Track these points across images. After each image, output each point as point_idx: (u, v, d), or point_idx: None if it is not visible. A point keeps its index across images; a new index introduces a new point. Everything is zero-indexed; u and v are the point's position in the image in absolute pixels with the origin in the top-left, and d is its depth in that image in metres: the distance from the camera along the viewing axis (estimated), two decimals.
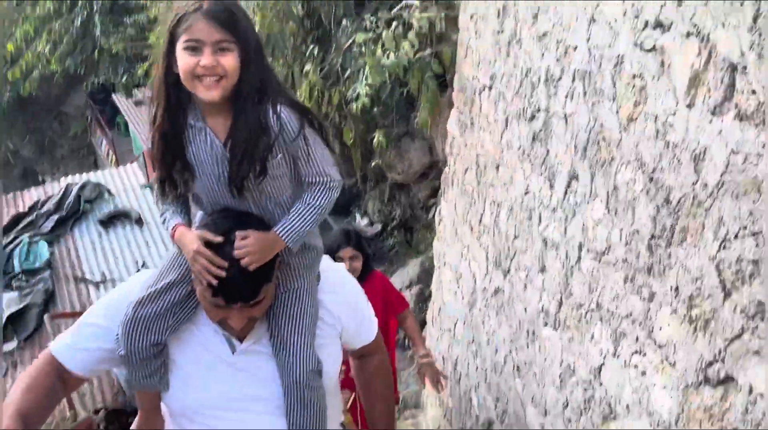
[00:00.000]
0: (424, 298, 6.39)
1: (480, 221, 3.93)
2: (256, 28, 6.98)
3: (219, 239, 1.90)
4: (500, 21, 3.48)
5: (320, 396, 2.08)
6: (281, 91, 1.97)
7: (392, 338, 4.34)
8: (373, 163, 7.52)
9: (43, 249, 9.27)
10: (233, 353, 2.06)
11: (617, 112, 2.35)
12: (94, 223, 10.10)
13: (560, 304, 2.86)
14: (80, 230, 9.91)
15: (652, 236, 2.16)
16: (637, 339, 2.28)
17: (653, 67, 2.14)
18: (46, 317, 7.49)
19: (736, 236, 1.79)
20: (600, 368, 2.54)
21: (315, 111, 6.88)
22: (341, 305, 2.18)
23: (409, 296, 7.76)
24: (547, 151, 2.94)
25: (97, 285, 8.85)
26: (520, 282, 3.32)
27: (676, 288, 2.04)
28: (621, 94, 2.33)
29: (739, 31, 1.74)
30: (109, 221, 10.07)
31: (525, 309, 3.26)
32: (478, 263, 4.00)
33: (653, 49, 2.13)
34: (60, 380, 2.07)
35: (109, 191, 10.79)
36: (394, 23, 5.27)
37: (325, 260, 2.26)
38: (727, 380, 1.86)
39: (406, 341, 5.75)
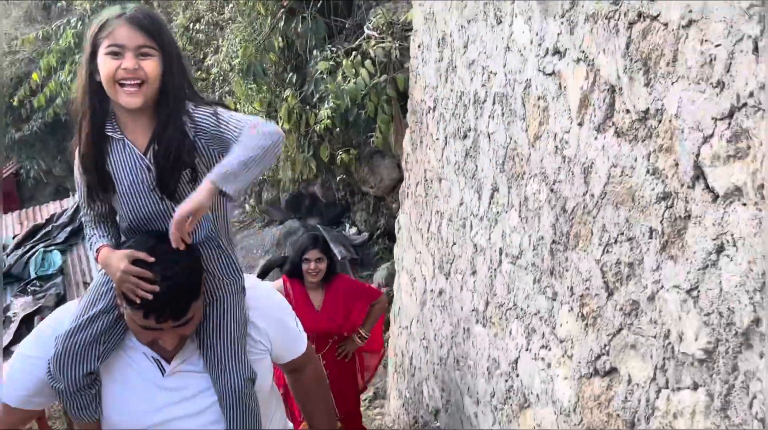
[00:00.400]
0: (389, 299, 6.36)
1: (428, 228, 3.90)
2: (239, 59, 6.96)
3: (144, 255, 1.72)
4: (440, 50, 3.46)
5: (256, 404, 1.92)
6: (195, 95, 1.83)
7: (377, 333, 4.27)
8: (338, 178, 7.50)
9: (56, 257, 9.21)
10: (163, 375, 1.87)
11: (526, 130, 2.33)
12: None
13: (487, 303, 2.83)
14: None
15: (553, 241, 2.14)
16: (543, 335, 2.26)
17: (553, 90, 2.13)
18: (36, 319, 7.41)
19: (615, 241, 1.77)
20: (516, 361, 2.51)
21: (294, 132, 6.93)
22: (268, 320, 2.00)
23: None
24: (476, 166, 2.92)
25: None
26: (457, 284, 3.30)
27: (571, 288, 2.02)
28: (529, 115, 2.31)
29: (616, 56, 1.73)
30: None
31: (461, 308, 3.24)
32: (427, 267, 3.98)
33: (553, 73, 2.12)
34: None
35: None
36: (354, 53, 5.28)
37: (251, 279, 2.09)
38: (612, 371, 1.84)
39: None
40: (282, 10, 6.18)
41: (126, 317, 1.78)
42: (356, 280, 4.19)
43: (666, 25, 1.50)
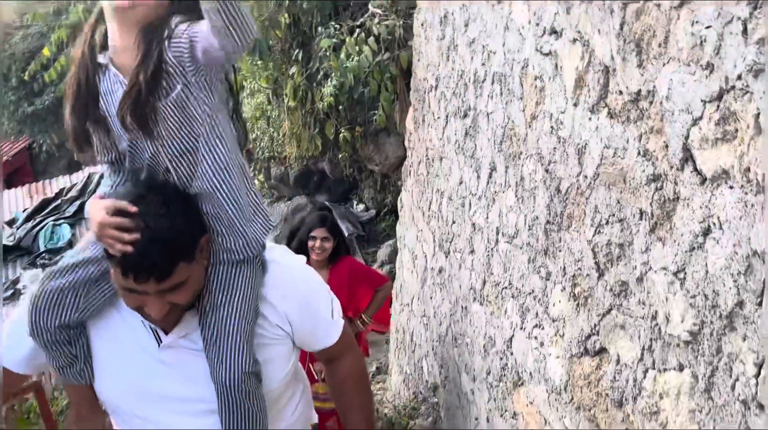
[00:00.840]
0: (392, 276, 6.39)
1: (429, 207, 3.90)
2: None
3: (125, 205, 1.50)
4: (442, 28, 3.44)
5: (257, 400, 1.67)
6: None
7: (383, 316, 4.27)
8: (340, 155, 7.49)
9: (65, 231, 9.26)
10: (159, 346, 1.69)
11: (523, 110, 2.32)
12: None
13: (484, 282, 2.84)
14: None
15: (548, 222, 2.13)
16: (537, 314, 2.26)
17: (550, 70, 2.11)
18: None
19: (607, 222, 1.76)
20: (511, 340, 2.52)
21: (299, 109, 6.92)
22: (290, 302, 1.74)
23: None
24: (475, 145, 2.91)
25: None
26: (456, 262, 3.30)
27: (564, 268, 2.02)
28: (526, 95, 2.30)
29: (610, 37, 1.71)
30: None
31: (460, 286, 3.24)
32: (428, 245, 3.98)
33: (550, 53, 2.10)
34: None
35: None
36: (358, 30, 5.25)
37: (277, 250, 1.81)
38: (602, 351, 1.84)
39: None
40: None
41: (112, 276, 1.58)
42: (363, 263, 4.19)
43: (659, 5, 1.48)
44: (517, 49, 2.37)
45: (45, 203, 10.07)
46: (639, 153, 1.59)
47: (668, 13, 1.45)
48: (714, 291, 1.34)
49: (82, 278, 1.63)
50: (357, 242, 10.39)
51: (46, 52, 18.69)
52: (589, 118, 1.84)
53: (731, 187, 1.28)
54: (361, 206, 12.01)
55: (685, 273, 1.43)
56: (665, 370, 1.53)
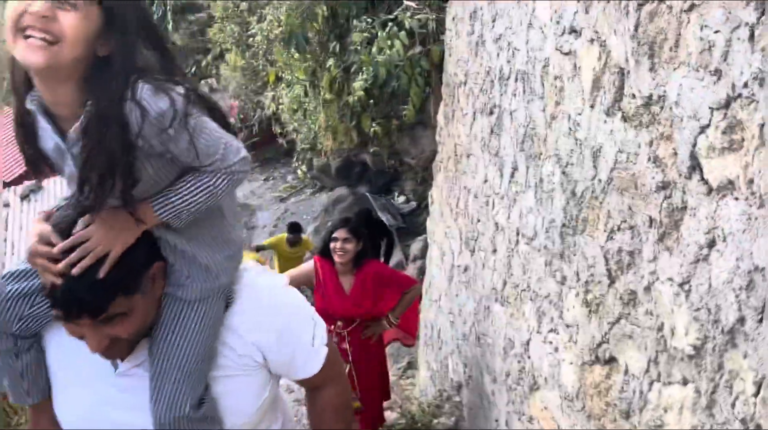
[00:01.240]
0: (423, 271, 6.38)
1: (457, 204, 3.88)
2: (281, 27, 6.93)
3: (51, 236, 1.32)
4: (471, 23, 3.40)
5: None
6: (165, 67, 1.33)
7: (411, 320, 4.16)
8: (371, 150, 7.47)
9: None
10: (115, 372, 1.51)
11: (544, 110, 2.28)
12: None
13: (505, 283, 2.81)
14: None
15: (563, 225, 2.10)
16: (552, 319, 2.23)
17: (569, 70, 2.07)
18: None
19: (618, 228, 1.73)
20: (528, 343, 2.49)
21: (336, 101, 6.91)
22: (262, 330, 1.52)
23: (412, 269, 7.74)
24: (499, 143, 2.88)
25: None
26: (480, 261, 3.28)
27: (578, 273, 1.99)
28: (547, 94, 2.26)
29: (625, 38, 1.67)
30: None
31: (483, 285, 3.22)
32: (455, 242, 3.96)
33: (569, 53, 2.06)
34: None
35: None
36: (390, 24, 5.22)
37: (250, 272, 1.59)
38: (612, 360, 1.81)
39: None
40: None
41: None
42: (389, 267, 4.01)
43: (671, 8, 1.44)
44: (539, 48, 2.33)
45: None
46: (649, 159, 1.55)
47: (679, 16, 1.41)
48: (717, 305, 1.30)
49: (31, 288, 1.45)
50: (397, 234, 10.37)
51: None
52: (605, 121, 1.81)
53: (736, 199, 1.24)
54: (402, 198, 12.00)
55: (690, 285, 1.39)
56: (670, 383, 1.50)
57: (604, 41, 1.81)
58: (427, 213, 11.07)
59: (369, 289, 3.58)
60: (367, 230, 6.91)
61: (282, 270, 7.21)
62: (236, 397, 1.53)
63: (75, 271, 1.29)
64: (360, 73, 5.61)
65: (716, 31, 1.28)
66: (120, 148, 1.25)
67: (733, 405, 1.27)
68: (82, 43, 1.21)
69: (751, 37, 1.18)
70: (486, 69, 3.14)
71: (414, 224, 10.89)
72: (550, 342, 2.24)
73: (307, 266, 3.80)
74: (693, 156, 1.37)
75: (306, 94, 7.51)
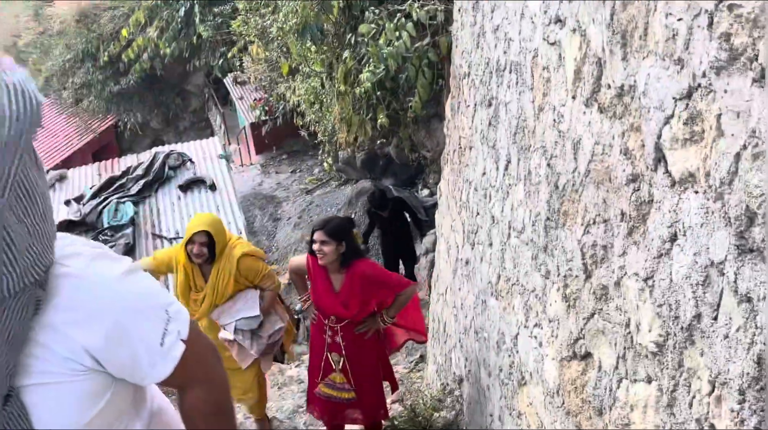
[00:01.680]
0: (434, 264, 6.34)
1: (460, 197, 3.84)
2: (296, 18, 6.88)
3: None
4: (474, 14, 3.36)
5: None
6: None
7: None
8: (378, 142, 7.39)
9: (129, 209, 9.53)
10: None
11: (533, 101, 2.24)
12: (175, 187, 10.30)
13: (498, 276, 2.78)
14: (162, 193, 10.12)
15: (547, 218, 2.06)
16: (537, 313, 2.20)
17: (555, 60, 2.03)
18: None
19: (594, 222, 1.69)
20: (516, 337, 2.46)
21: (350, 93, 6.85)
22: (90, 327, 1.25)
23: (424, 261, 7.69)
24: (496, 136, 2.84)
25: (170, 241, 9.06)
26: (479, 255, 3.24)
27: (558, 267, 1.95)
28: (536, 85, 2.22)
29: (602, 27, 1.63)
30: (187, 186, 10.23)
31: (481, 279, 3.19)
32: (458, 235, 3.93)
33: (555, 43, 2.02)
34: None
35: (190, 160, 10.99)
36: (398, 15, 5.15)
37: (79, 258, 1.29)
38: (587, 355, 1.77)
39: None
40: None
41: None
42: (381, 268, 3.86)
43: None
44: (530, 38, 2.29)
45: (111, 181, 10.37)
46: (621, 151, 1.51)
47: (647, 4, 1.36)
48: (677, 301, 1.26)
49: None
50: (417, 226, 10.31)
51: (124, 33, 19.37)
52: (584, 112, 1.77)
53: (696, 192, 1.21)
54: (426, 191, 11.94)
55: (654, 280, 1.35)
56: (635, 381, 1.46)
57: (585, 30, 1.76)
58: None
59: (357, 289, 3.46)
60: (387, 207, 6.86)
61: None
62: (60, 409, 1.26)
63: None
64: (367, 65, 5.56)
65: (679, 19, 1.23)
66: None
67: (690, 404, 1.23)
68: None
69: (710, 24, 1.14)
70: (486, 60, 3.10)
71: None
72: (535, 337, 2.21)
73: (299, 260, 3.75)
74: (658, 148, 1.33)
75: (323, 86, 7.48)
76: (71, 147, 19.51)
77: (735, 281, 1.07)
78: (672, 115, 1.27)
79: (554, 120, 2.01)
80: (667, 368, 1.32)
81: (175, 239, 9.18)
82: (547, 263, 2.08)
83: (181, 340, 1.36)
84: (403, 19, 5.06)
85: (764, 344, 1.02)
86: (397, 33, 4.97)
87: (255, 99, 16.74)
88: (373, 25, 5.33)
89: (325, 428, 4.04)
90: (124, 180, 10.47)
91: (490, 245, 2.95)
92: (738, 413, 1.08)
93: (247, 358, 3.87)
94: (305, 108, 8.68)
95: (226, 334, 3.79)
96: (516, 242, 2.47)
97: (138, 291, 1.34)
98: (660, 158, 1.33)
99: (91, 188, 10.18)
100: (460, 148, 3.84)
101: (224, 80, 19.40)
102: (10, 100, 1.05)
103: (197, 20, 17.75)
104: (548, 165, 2.06)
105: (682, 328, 1.25)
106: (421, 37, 5.12)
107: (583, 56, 1.79)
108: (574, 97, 1.85)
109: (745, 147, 1.04)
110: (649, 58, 1.37)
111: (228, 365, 3.86)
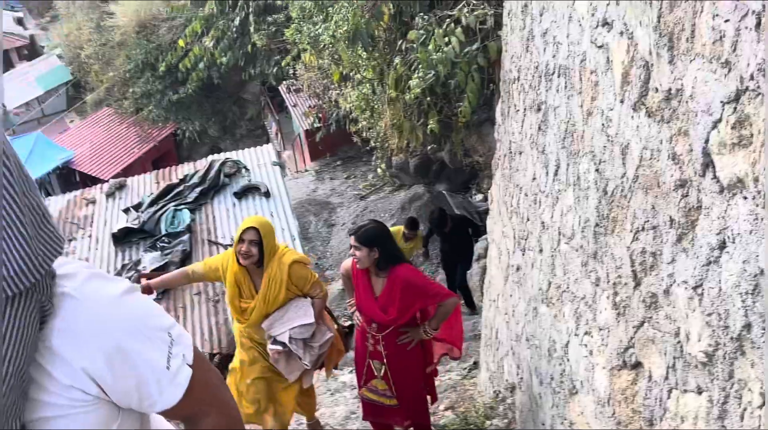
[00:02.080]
0: (485, 270, 6.29)
1: (511, 202, 3.81)
2: (347, 26, 6.93)
3: None
4: (523, 18, 3.33)
5: None
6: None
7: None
8: (430, 147, 7.37)
9: (185, 216, 9.72)
10: None
11: (581, 105, 2.22)
12: (231, 194, 10.48)
13: (549, 283, 2.74)
14: (218, 200, 10.29)
15: (596, 224, 2.03)
16: (587, 321, 2.16)
17: (603, 64, 2.00)
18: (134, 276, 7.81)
19: (643, 228, 1.66)
20: (567, 345, 2.42)
21: (400, 99, 6.86)
22: (90, 352, 1.15)
23: (476, 267, 7.63)
24: (546, 140, 2.81)
25: (226, 247, 9.21)
26: (530, 261, 3.21)
27: (608, 274, 1.92)
28: (584, 89, 2.19)
29: (649, 30, 1.60)
30: (242, 193, 10.39)
31: (532, 286, 3.15)
32: (510, 241, 3.89)
33: (602, 46, 1.99)
34: None
35: (245, 167, 11.17)
36: (448, 20, 5.13)
37: (76, 278, 1.20)
38: (638, 365, 1.74)
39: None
40: None
41: None
42: (423, 275, 3.80)
43: None
44: (578, 41, 2.26)
45: (169, 189, 10.60)
46: (668, 156, 1.48)
47: (694, 5, 1.34)
48: (726, 310, 1.23)
49: None
50: (478, 235, 10.27)
51: (181, 43, 19.84)
52: (632, 117, 1.74)
53: (745, 198, 1.17)
54: (480, 196, 11.86)
55: (703, 289, 1.32)
56: (686, 391, 1.43)
57: (632, 33, 1.74)
58: None
59: (397, 294, 3.45)
60: (447, 225, 6.87)
61: None
62: None
63: None
64: (416, 71, 5.55)
65: (726, 20, 1.21)
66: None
67: (741, 417, 1.20)
68: None
69: (758, 25, 1.11)
70: (535, 64, 3.07)
71: None
72: (585, 345, 2.18)
73: (344, 264, 3.78)
74: (706, 153, 1.30)
75: (374, 92, 7.51)
76: (132, 155, 20.08)
77: None
78: (720, 119, 1.24)
79: (602, 124, 1.98)
80: (718, 379, 1.28)
81: (230, 245, 9.34)
82: (597, 269, 2.05)
83: (188, 364, 1.27)
84: (453, 24, 5.04)
85: None
86: (446, 38, 4.95)
87: (309, 106, 16.92)
88: (422, 31, 5.33)
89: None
90: (181, 188, 10.70)
91: (541, 251, 2.92)
92: None
93: (296, 370, 3.84)
94: (357, 115, 8.73)
95: (276, 345, 3.71)
96: (566, 248, 2.44)
97: (138, 312, 1.24)
98: (708, 163, 1.30)
99: (149, 196, 10.41)
100: (511, 153, 3.81)
101: (279, 88, 19.68)
102: None
103: (252, 29, 18.05)
104: (597, 170, 2.03)
105: (731, 338, 1.21)
106: (470, 42, 5.10)
107: (630, 59, 1.76)
108: (622, 101, 1.82)
109: None
110: (696, 60, 1.34)
111: (267, 386, 3.78)
